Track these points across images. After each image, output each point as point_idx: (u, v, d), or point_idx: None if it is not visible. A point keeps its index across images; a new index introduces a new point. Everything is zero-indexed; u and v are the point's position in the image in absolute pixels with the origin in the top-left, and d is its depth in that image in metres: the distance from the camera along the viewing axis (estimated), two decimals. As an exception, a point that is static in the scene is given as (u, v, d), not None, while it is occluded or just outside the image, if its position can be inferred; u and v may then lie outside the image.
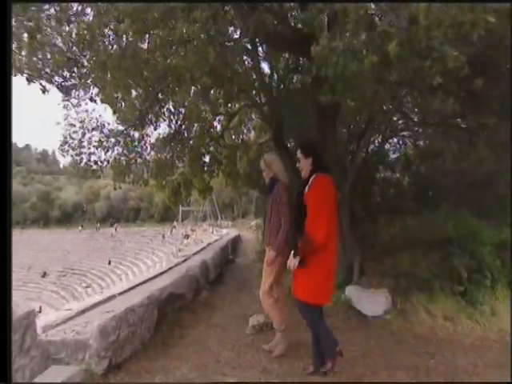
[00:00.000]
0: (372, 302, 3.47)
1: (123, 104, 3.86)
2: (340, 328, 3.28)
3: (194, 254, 5.91)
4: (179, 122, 5.42)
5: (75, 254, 36.89)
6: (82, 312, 2.59)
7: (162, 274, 4.36)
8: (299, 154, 2.45)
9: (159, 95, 3.92)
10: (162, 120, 5.04)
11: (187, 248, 22.43)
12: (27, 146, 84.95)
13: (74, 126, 3.99)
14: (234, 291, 4.95)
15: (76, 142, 3.96)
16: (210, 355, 2.66)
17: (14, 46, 2.97)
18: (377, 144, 6.61)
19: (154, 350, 2.65)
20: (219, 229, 25.84)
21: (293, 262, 2.30)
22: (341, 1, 2.32)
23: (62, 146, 3.91)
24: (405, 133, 6.67)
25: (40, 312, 27.44)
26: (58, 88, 3.53)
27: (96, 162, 4.05)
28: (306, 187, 2.31)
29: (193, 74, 2.82)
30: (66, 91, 3.62)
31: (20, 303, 1.56)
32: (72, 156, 3.92)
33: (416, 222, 4.88)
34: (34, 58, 3.20)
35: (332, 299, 2.59)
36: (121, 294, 3.31)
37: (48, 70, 3.44)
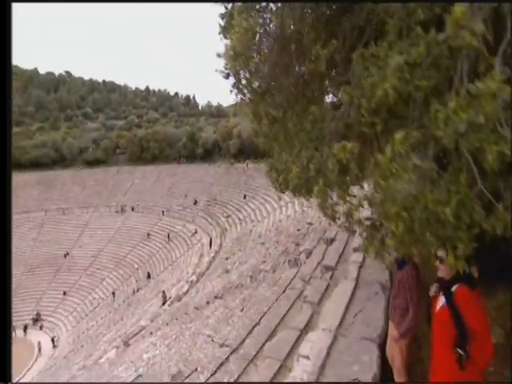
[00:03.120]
0: None
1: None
2: None
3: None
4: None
5: (216, 187, 42.29)
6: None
7: (355, 288, 3.86)
8: (444, 255, 2.14)
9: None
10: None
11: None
12: (176, 94, 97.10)
13: None
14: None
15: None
16: None
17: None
18: None
19: None
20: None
21: None
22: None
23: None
24: None
25: (196, 233, 33.70)
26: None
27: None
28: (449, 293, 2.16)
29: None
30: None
31: None
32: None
33: None
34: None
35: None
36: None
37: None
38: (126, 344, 11.41)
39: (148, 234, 37.15)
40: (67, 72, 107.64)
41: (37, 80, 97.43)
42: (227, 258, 18.11)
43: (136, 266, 33.55)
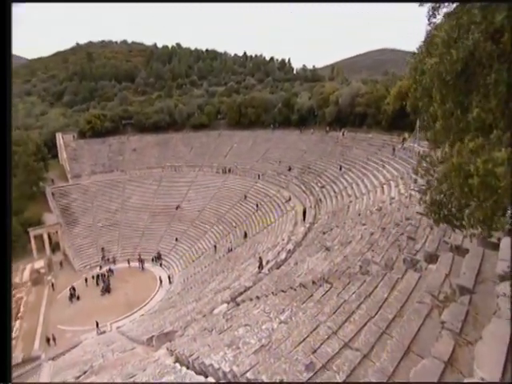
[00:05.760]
0: None
1: None
2: None
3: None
4: None
5: (310, 155, 41.57)
6: None
7: None
8: None
9: None
10: None
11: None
12: (272, 59, 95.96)
13: None
14: None
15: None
16: None
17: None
18: None
19: None
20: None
21: None
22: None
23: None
24: None
25: (290, 200, 34.46)
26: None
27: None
28: None
29: None
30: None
31: None
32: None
33: None
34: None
35: None
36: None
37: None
38: (234, 301, 13.02)
39: (245, 196, 39.79)
40: (177, 44, 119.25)
41: (156, 54, 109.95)
42: (324, 233, 18.16)
43: (234, 224, 36.84)
